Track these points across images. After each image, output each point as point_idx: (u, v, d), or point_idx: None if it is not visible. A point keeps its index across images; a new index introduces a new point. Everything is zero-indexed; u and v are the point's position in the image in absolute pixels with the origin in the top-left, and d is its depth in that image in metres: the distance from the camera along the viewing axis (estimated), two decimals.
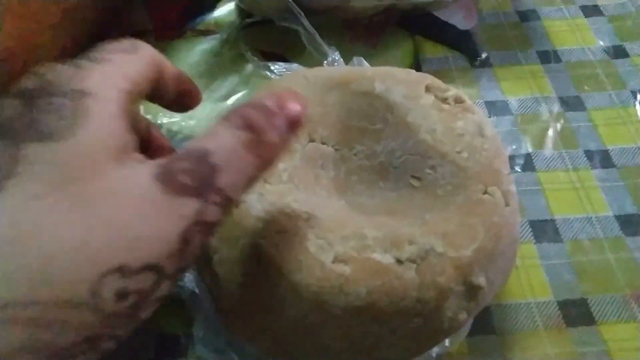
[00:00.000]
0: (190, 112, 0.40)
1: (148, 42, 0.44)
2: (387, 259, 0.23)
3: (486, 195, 0.25)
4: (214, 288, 0.25)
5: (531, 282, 0.33)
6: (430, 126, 0.27)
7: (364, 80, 0.29)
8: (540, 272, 0.33)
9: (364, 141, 0.28)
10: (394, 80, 0.29)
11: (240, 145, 0.18)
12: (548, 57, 0.44)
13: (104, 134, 0.17)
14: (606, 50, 0.44)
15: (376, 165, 0.28)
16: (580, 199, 0.36)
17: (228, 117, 0.19)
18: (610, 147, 0.39)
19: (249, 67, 0.42)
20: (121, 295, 0.15)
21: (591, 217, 0.35)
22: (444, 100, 0.28)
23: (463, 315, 0.23)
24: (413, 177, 0.27)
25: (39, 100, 0.17)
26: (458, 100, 0.28)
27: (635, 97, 0.41)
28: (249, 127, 0.18)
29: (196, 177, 0.17)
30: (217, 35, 0.46)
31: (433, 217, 0.24)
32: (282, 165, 0.26)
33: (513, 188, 0.27)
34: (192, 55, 0.44)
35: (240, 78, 0.42)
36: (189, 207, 0.17)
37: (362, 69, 0.31)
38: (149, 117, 0.40)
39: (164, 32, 0.46)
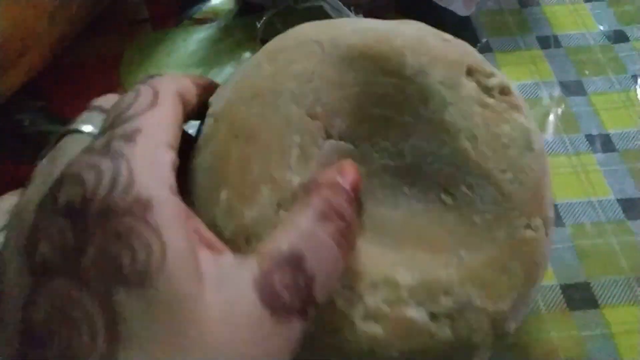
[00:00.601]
0: None
1: (144, 30, 0.44)
2: (422, 314, 0.20)
3: (529, 231, 0.22)
4: None
5: None
6: (471, 131, 0.23)
7: (393, 54, 0.23)
8: None
9: (389, 135, 0.24)
10: (429, 56, 0.24)
11: (331, 240, 0.18)
12: (548, 42, 0.44)
13: (184, 253, 0.15)
14: (606, 35, 0.44)
15: (402, 167, 0.23)
16: (582, 183, 0.36)
17: (308, 201, 0.18)
18: (611, 131, 0.38)
19: (247, 54, 0.42)
20: None
21: (593, 201, 0.35)
22: (488, 90, 0.24)
23: (486, 355, 0.22)
24: (446, 191, 0.23)
25: (96, 220, 0.14)
26: (504, 91, 0.24)
27: (636, 81, 0.41)
28: (336, 214, 0.18)
29: (297, 294, 0.17)
30: (215, 24, 0.45)
31: (471, 257, 0.21)
32: (297, 179, 0.21)
33: (552, 212, 0.24)
34: (190, 44, 0.44)
35: (237, 65, 0.41)
36: (296, 329, 0.16)
37: (388, 32, 0.24)
38: None
39: (160, 21, 0.45)
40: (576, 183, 0.36)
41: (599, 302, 0.31)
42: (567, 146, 0.38)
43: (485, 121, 0.23)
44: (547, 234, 0.23)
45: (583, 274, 0.32)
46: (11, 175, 0.37)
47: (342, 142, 0.23)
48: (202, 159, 0.22)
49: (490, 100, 0.23)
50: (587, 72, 0.42)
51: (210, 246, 0.17)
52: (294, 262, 0.17)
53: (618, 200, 0.35)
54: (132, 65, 0.42)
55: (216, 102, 0.24)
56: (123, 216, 0.14)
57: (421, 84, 0.23)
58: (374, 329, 0.20)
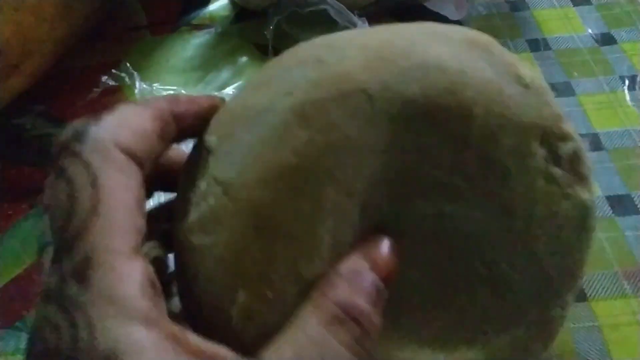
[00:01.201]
0: None
1: (143, 36, 0.45)
2: None
3: (557, 310, 0.21)
4: None
5: None
6: (528, 210, 0.20)
7: (460, 111, 0.19)
8: None
9: (431, 195, 0.20)
10: (502, 118, 0.19)
11: (344, 349, 0.15)
12: (538, 45, 0.45)
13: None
14: (595, 38, 0.45)
15: (440, 232, 0.20)
16: None
17: (318, 302, 0.16)
18: (599, 131, 0.39)
19: (243, 58, 0.43)
20: None
21: None
22: (557, 161, 0.20)
23: None
24: (484, 263, 0.21)
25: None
26: (575, 162, 0.20)
27: (624, 82, 0.42)
28: (349, 317, 0.16)
29: None
30: (212, 30, 0.46)
31: (495, 338, 0.20)
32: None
33: (581, 282, 0.22)
34: (187, 50, 0.45)
35: (234, 69, 0.42)
36: None
37: (457, 73, 0.19)
38: None
39: (158, 27, 0.46)
40: None
41: (588, 295, 0.32)
42: None
43: (545, 198, 0.20)
44: (568, 304, 0.21)
45: None
46: (13, 179, 0.37)
47: (368, 211, 0.19)
48: (212, 245, 0.18)
49: (558, 173, 0.20)
50: (575, 74, 0.43)
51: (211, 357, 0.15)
52: None
53: (606, 197, 0.36)
54: (129, 70, 0.43)
55: (225, 160, 0.19)
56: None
57: (485, 151, 0.19)
58: None
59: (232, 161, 0.18)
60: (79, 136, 0.16)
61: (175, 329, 0.15)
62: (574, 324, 0.31)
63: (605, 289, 0.32)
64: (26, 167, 0.38)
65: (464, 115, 0.18)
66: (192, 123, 0.19)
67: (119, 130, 0.16)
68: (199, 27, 0.47)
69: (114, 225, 0.15)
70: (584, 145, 0.20)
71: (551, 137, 0.19)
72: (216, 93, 0.41)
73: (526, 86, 0.19)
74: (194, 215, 0.18)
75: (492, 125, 0.19)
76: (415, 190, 0.20)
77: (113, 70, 0.43)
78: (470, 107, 0.18)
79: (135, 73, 0.42)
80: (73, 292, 0.14)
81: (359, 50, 0.19)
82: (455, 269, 0.21)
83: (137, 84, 0.42)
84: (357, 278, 0.17)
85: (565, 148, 0.20)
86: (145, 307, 0.14)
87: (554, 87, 0.42)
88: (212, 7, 0.48)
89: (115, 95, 0.42)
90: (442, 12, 0.46)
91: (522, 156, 0.19)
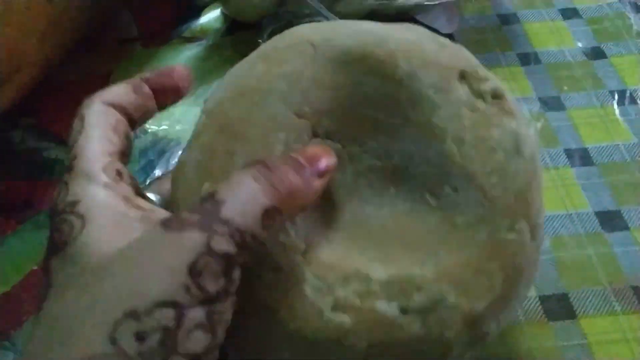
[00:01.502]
0: (177, 117, 0.41)
1: (134, 49, 0.45)
2: (392, 309, 0.21)
3: (512, 234, 0.22)
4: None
5: None
6: (458, 134, 0.23)
7: (386, 57, 0.24)
8: None
9: (378, 137, 0.24)
10: (421, 60, 0.24)
11: (249, 178, 0.19)
12: (528, 59, 0.45)
13: (102, 229, 0.19)
14: (585, 52, 0.45)
15: (389, 168, 0.24)
16: (560, 197, 0.37)
17: (250, 165, 0.19)
18: (589, 145, 0.39)
19: None
20: (140, 336, 0.16)
21: (571, 214, 0.36)
22: (480, 95, 0.24)
23: (467, 357, 0.22)
24: (431, 193, 0.23)
25: (52, 221, 0.20)
26: (496, 96, 0.24)
27: (614, 97, 0.42)
28: (262, 164, 0.19)
29: (199, 213, 0.18)
30: (203, 42, 0.46)
31: (448, 257, 0.22)
32: None
33: (542, 219, 0.24)
34: (178, 62, 0.45)
35: None
36: (192, 239, 0.17)
37: (383, 35, 0.24)
38: None
39: (150, 40, 0.46)
40: (555, 196, 0.37)
41: (577, 312, 0.32)
42: (546, 160, 0.39)
43: (473, 125, 0.23)
44: (533, 239, 0.23)
45: (561, 285, 0.33)
46: (1, 193, 0.37)
47: (328, 141, 0.24)
48: (191, 153, 0.24)
49: (481, 105, 0.23)
50: (565, 88, 0.43)
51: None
52: (203, 197, 0.18)
53: (595, 212, 0.36)
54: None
55: (210, 100, 0.25)
56: (60, 214, 0.20)
57: (412, 87, 0.23)
58: (342, 319, 0.20)
59: (215, 95, 0.25)
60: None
61: (128, 193, 0.21)
62: (563, 342, 0.31)
63: (594, 306, 0.32)
64: (15, 181, 0.38)
65: (390, 57, 0.24)
66: (163, 83, 0.25)
67: (103, 92, 0.24)
68: (191, 39, 0.47)
69: (91, 138, 0.22)
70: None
71: (470, 78, 0.24)
72: None
73: (443, 45, 0.25)
74: (188, 140, 0.25)
75: (415, 66, 0.23)
76: (360, 131, 0.24)
77: None
78: (395, 53, 0.24)
79: None
80: (65, 177, 0.21)
81: (315, 25, 0.26)
82: (408, 203, 0.23)
83: None
84: (288, 158, 0.20)
85: (485, 86, 0.24)
86: (106, 179, 0.21)
87: (544, 101, 0.42)
88: (203, 19, 0.48)
89: None
90: (433, 25, 0.46)
91: (445, 90, 0.23)
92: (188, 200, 0.23)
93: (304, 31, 0.26)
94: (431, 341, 0.21)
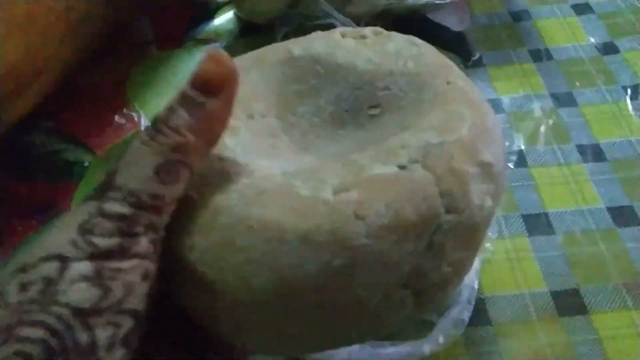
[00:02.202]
0: None
1: (149, 51, 0.46)
2: (390, 169, 0.21)
3: (451, 85, 0.24)
4: (206, 299, 0.21)
5: (525, 273, 0.33)
6: (363, 57, 0.26)
7: (278, 50, 0.27)
8: (534, 264, 0.34)
9: (305, 101, 0.27)
10: (307, 40, 0.28)
11: (137, 143, 0.19)
12: (540, 55, 0.45)
13: None
14: (597, 47, 0.45)
15: (327, 118, 0.26)
16: (572, 193, 0.37)
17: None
18: (601, 141, 0.39)
19: None
20: (23, 286, 0.17)
21: (583, 210, 0.36)
22: (363, 37, 0.27)
23: (488, 202, 0.22)
24: (370, 107, 0.25)
25: None
26: (377, 33, 0.27)
27: (626, 92, 0.42)
28: (150, 127, 0.19)
29: (96, 188, 0.18)
30: (217, 44, 0.47)
31: (414, 121, 0.23)
32: (231, 141, 0.23)
33: (462, 77, 0.26)
34: (193, 64, 0.46)
35: None
36: (87, 207, 0.18)
37: (274, 45, 0.29)
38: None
39: (165, 42, 0.47)
40: (567, 193, 0.37)
41: (588, 308, 0.32)
42: (558, 157, 0.39)
43: (371, 49, 0.26)
44: (472, 89, 0.25)
45: (573, 281, 0.33)
46: (23, 195, 0.38)
47: (265, 119, 0.26)
48: None
49: (369, 40, 0.27)
50: (577, 84, 0.43)
51: None
52: (106, 173, 0.19)
53: (608, 208, 0.36)
54: (139, 85, 0.44)
55: None
56: None
57: (309, 55, 0.27)
58: (348, 196, 0.20)
59: None
60: None
61: None
62: (574, 336, 0.31)
63: (605, 302, 0.32)
64: (37, 183, 0.39)
65: (279, 47, 0.28)
66: None
67: None
68: (205, 41, 0.48)
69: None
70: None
71: (349, 33, 0.27)
72: None
73: (317, 32, 0.28)
74: None
75: (302, 43, 0.27)
76: (289, 104, 0.26)
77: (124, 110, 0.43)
78: (283, 44, 0.28)
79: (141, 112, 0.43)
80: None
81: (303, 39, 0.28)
82: (360, 130, 0.25)
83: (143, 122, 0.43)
84: (178, 98, 0.19)
85: (363, 32, 0.27)
86: None
87: (556, 97, 0.42)
88: (217, 21, 0.49)
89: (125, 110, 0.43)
90: (444, 23, 0.46)
91: (336, 46, 0.27)
92: None
93: (288, 44, 0.29)
94: (443, 177, 0.20)
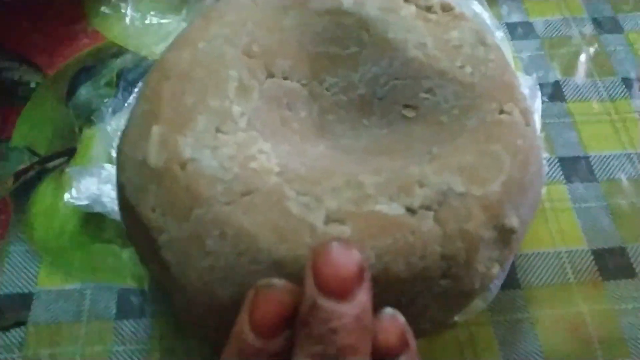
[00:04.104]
0: (160, 36, 0.35)
1: None
2: (396, 209, 0.18)
3: (504, 115, 0.21)
4: (166, 281, 0.19)
5: (562, 228, 0.28)
6: (418, 40, 0.22)
7: None
8: (572, 216, 0.29)
9: (337, 71, 0.23)
10: None
11: None
12: None
13: None
14: None
15: (356, 99, 0.23)
16: (617, 133, 0.31)
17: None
18: None
19: None
20: None
21: (630, 154, 0.31)
22: (429, 9, 0.24)
23: (495, 269, 0.19)
24: (406, 106, 0.22)
25: None
26: (446, 8, 0.24)
27: None
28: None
29: None
30: None
31: (443, 150, 0.20)
32: (238, 109, 0.20)
33: (529, 105, 0.22)
34: None
35: None
36: None
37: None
38: None
39: None
40: (611, 133, 0.31)
41: (637, 270, 0.27)
42: (600, 91, 0.33)
43: (431, 31, 0.23)
44: (527, 124, 0.21)
45: (618, 238, 0.28)
46: None
47: (287, 81, 0.23)
48: (137, 109, 0.21)
49: (433, 16, 0.23)
50: (624, 7, 0.37)
51: None
52: None
53: None
54: None
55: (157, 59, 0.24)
56: None
57: (359, 13, 0.23)
58: (339, 229, 0.17)
59: (161, 54, 0.24)
60: None
61: None
62: (620, 304, 0.26)
63: None
64: None
65: None
66: None
67: None
68: None
69: None
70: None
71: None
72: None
73: None
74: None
75: None
76: (317, 68, 0.23)
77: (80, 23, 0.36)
78: None
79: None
80: None
81: None
82: (385, 128, 0.22)
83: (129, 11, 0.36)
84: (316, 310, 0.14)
85: (433, 1, 0.24)
86: None
87: (598, 22, 0.36)
88: None
89: (79, 25, 0.36)
90: None
91: (393, 10, 0.23)
92: (133, 152, 0.20)
93: None
94: (451, 238, 0.18)
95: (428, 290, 0.18)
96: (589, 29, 0.36)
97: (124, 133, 0.22)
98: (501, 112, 0.21)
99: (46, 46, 0.35)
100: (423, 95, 0.22)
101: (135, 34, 0.35)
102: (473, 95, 0.21)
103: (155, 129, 0.20)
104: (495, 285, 0.25)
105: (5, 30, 0.35)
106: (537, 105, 0.30)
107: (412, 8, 0.23)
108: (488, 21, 0.32)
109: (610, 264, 0.27)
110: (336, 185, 0.18)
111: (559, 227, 0.28)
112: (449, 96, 0.21)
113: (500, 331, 0.25)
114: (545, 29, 0.36)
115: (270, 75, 0.22)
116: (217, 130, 0.20)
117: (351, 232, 0.17)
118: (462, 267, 0.18)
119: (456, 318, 0.24)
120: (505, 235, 0.19)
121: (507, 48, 0.31)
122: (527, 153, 0.20)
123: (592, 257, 0.27)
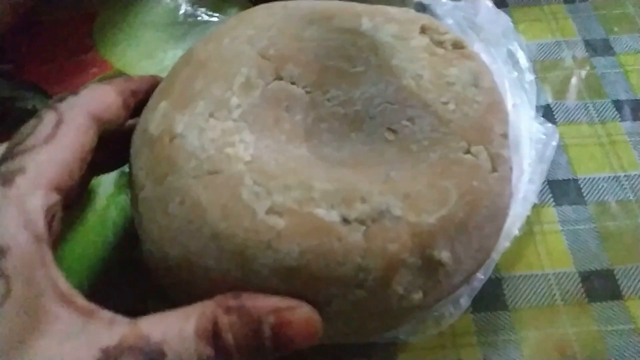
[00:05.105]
0: (166, 65, 0.36)
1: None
2: (332, 216, 0.20)
3: (468, 156, 0.21)
4: (139, 229, 0.22)
5: (549, 249, 0.29)
6: (416, 71, 0.23)
7: (350, 16, 0.25)
8: (560, 238, 0.29)
9: (341, 85, 0.24)
10: (385, 17, 0.25)
11: (193, 339, 0.17)
12: None
13: (25, 302, 0.17)
14: None
15: (351, 114, 0.24)
16: (607, 156, 0.32)
17: (202, 309, 0.18)
18: None
19: (233, 10, 0.38)
20: None
21: (619, 176, 0.31)
22: (440, 43, 0.25)
23: (418, 295, 0.20)
24: (389, 129, 0.23)
25: None
26: (457, 46, 0.25)
27: None
28: (215, 339, 0.18)
29: None
30: None
31: (399, 175, 0.21)
32: (236, 101, 0.23)
33: (507, 153, 0.23)
34: (165, 4, 0.40)
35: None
36: None
37: (351, 4, 0.27)
38: None
39: None
40: (600, 155, 0.32)
41: (623, 292, 0.27)
42: (591, 113, 0.34)
43: (432, 65, 0.24)
44: (494, 170, 0.22)
45: (606, 260, 0.28)
46: None
47: (293, 86, 0.24)
48: (160, 84, 0.25)
49: (441, 51, 0.24)
50: (616, 29, 0.37)
51: (66, 300, 0.17)
52: (148, 348, 0.17)
53: None
54: (106, 25, 0.38)
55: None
56: None
57: (373, 37, 0.25)
58: (275, 221, 0.19)
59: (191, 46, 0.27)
60: (60, 99, 0.21)
61: (53, 265, 0.18)
62: (606, 326, 0.26)
63: None
64: None
65: (356, 19, 0.25)
66: (143, 97, 0.24)
67: (91, 100, 0.21)
68: None
69: (55, 157, 0.19)
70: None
71: (430, 30, 0.25)
72: None
73: (407, 10, 0.27)
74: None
75: (377, 21, 0.25)
76: (324, 79, 0.25)
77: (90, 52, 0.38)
78: (360, 13, 0.26)
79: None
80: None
81: None
82: (367, 145, 0.23)
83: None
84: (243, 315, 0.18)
85: (445, 37, 0.25)
86: (41, 228, 0.18)
87: (590, 44, 0.36)
88: None
89: (89, 54, 0.37)
90: None
91: (406, 39, 0.25)
92: (143, 120, 0.24)
93: (277, 1, 0.27)
94: (373, 255, 0.19)
95: (343, 296, 0.19)
96: (581, 51, 0.36)
97: (148, 104, 0.25)
98: (467, 152, 0.22)
99: (57, 76, 0.36)
100: (404, 122, 0.23)
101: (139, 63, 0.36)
102: (446, 131, 0.22)
103: (163, 104, 0.23)
104: (479, 280, 0.25)
105: (18, 61, 0.37)
106: (548, 153, 0.29)
107: (425, 40, 0.25)
108: (521, 61, 0.31)
109: (597, 285, 0.28)
110: (289, 183, 0.20)
111: (546, 249, 0.29)
112: (425, 127, 0.22)
113: (487, 352, 0.26)
114: (538, 51, 0.37)
115: (279, 77, 0.24)
116: (211, 115, 0.22)
117: (284, 225, 0.19)
118: (377, 282, 0.19)
119: (451, 316, 0.25)
120: (431, 266, 0.20)
121: (533, 91, 0.30)
122: (480, 196, 0.21)
123: (579, 279, 0.28)
